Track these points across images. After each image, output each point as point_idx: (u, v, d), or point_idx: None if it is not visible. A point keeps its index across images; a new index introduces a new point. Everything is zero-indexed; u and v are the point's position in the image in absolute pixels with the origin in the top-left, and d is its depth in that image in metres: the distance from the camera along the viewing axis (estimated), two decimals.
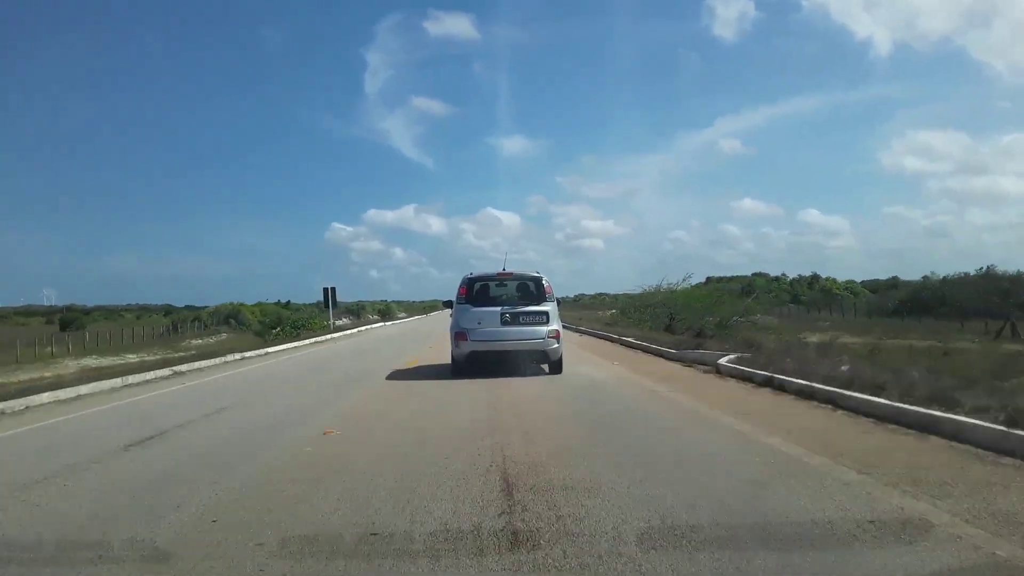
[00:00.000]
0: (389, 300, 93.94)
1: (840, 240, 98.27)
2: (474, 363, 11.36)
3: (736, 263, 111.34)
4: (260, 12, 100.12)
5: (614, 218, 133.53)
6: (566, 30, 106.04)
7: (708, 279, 45.05)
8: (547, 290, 11.71)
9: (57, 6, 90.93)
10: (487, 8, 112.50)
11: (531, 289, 11.78)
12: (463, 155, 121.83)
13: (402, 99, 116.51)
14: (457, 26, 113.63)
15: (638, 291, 27.62)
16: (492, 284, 12.22)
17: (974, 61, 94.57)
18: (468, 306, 11.50)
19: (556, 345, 11.37)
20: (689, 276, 25.50)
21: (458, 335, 11.38)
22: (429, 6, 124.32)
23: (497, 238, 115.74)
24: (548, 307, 11.49)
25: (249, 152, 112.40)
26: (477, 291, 11.87)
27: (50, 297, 64.38)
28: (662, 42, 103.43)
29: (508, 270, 12.32)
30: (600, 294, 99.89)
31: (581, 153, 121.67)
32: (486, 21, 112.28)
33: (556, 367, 11.55)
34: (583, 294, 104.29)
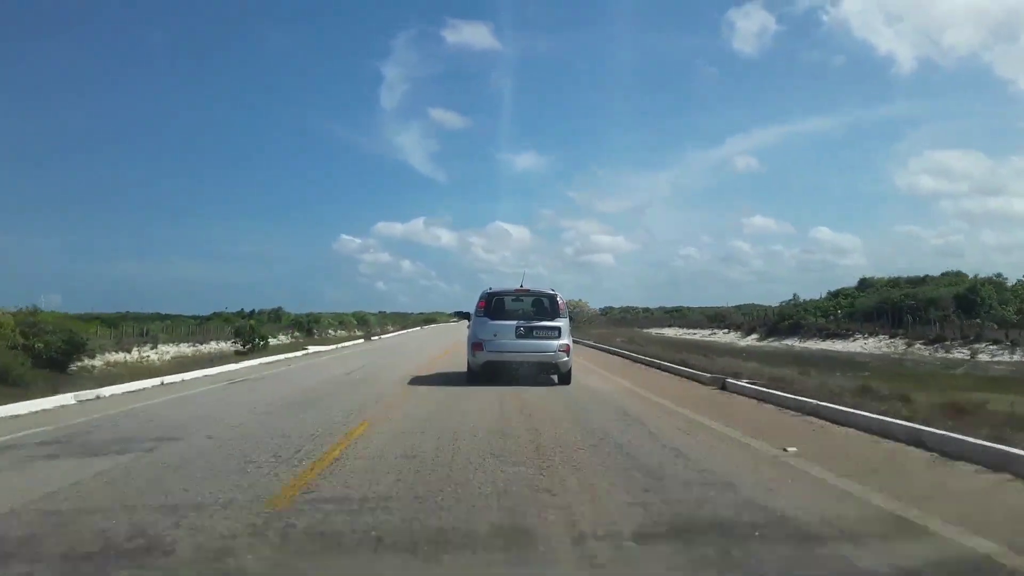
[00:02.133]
0: (390, 311, 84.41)
1: (850, 259, 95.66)
2: (488, 372, 11.96)
3: (745, 280, 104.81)
4: (274, 18, 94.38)
5: (624, 233, 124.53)
6: (580, 44, 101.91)
7: (861, 281, 29.61)
8: (561, 307, 12.34)
9: (62, 4, 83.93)
10: (502, 20, 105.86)
11: (545, 305, 12.41)
12: (474, 168, 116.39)
13: (415, 110, 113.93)
14: (475, 36, 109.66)
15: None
16: (509, 299, 12.71)
17: (998, 79, 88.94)
18: (486, 319, 12.10)
19: (566, 359, 11.92)
20: None
21: (475, 345, 12.03)
22: (446, 15, 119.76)
23: (506, 252, 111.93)
24: (561, 323, 12.08)
25: (259, 159, 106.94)
26: (495, 305, 12.39)
27: (48, 303, 51.75)
28: (677, 57, 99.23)
29: (525, 287, 12.81)
30: (630, 307, 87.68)
31: (593, 167, 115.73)
32: (501, 34, 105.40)
33: (565, 379, 12.02)
34: (610, 307, 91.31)
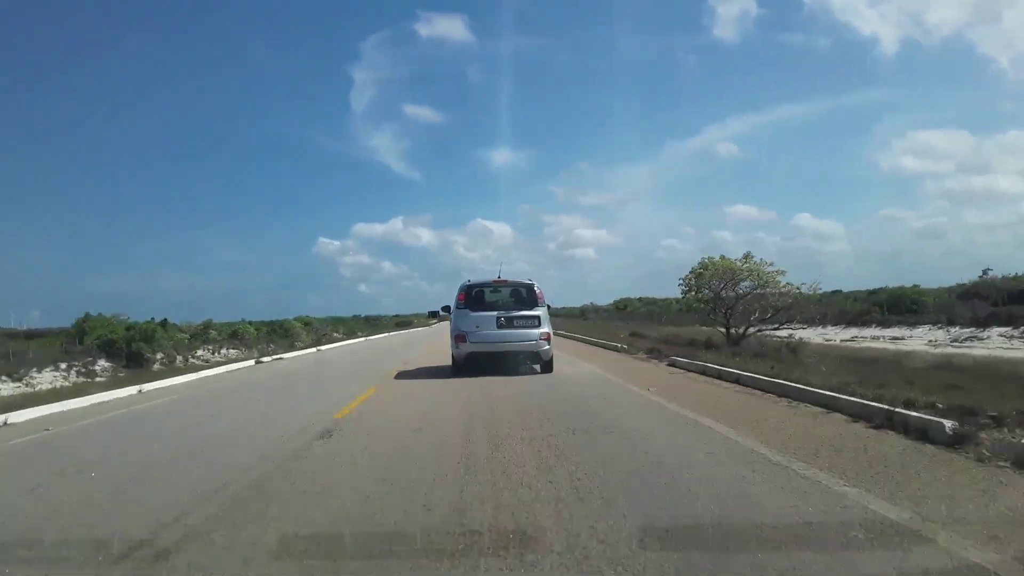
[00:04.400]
0: (365, 315, 74.45)
1: (833, 244, 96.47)
2: (472, 363, 11.99)
3: None
4: (246, 25, 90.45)
5: (607, 227, 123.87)
6: (557, 38, 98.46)
7: None
8: (539, 296, 12.37)
9: (43, 16, 76.25)
10: (479, 16, 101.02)
11: (524, 295, 12.47)
12: (451, 165, 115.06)
13: (390, 108, 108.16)
14: (448, 30, 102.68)
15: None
16: (488, 290, 12.84)
17: (981, 57, 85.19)
18: (467, 311, 12.20)
19: (547, 347, 12.00)
20: None
21: (458, 337, 12.09)
22: (418, 8, 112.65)
23: (488, 249, 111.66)
24: (540, 311, 12.17)
25: (232, 166, 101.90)
26: (475, 297, 12.55)
27: (15, 319, 46.70)
28: (658, 47, 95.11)
29: (503, 277, 12.92)
30: (665, 298, 72.32)
31: (574, 161, 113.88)
32: (478, 29, 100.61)
33: (547, 367, 12.06)
34: (627, 298, 74.96)
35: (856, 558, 3.10)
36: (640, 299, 72.61)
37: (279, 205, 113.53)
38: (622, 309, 69.87)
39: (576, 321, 57.19)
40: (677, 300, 70.28)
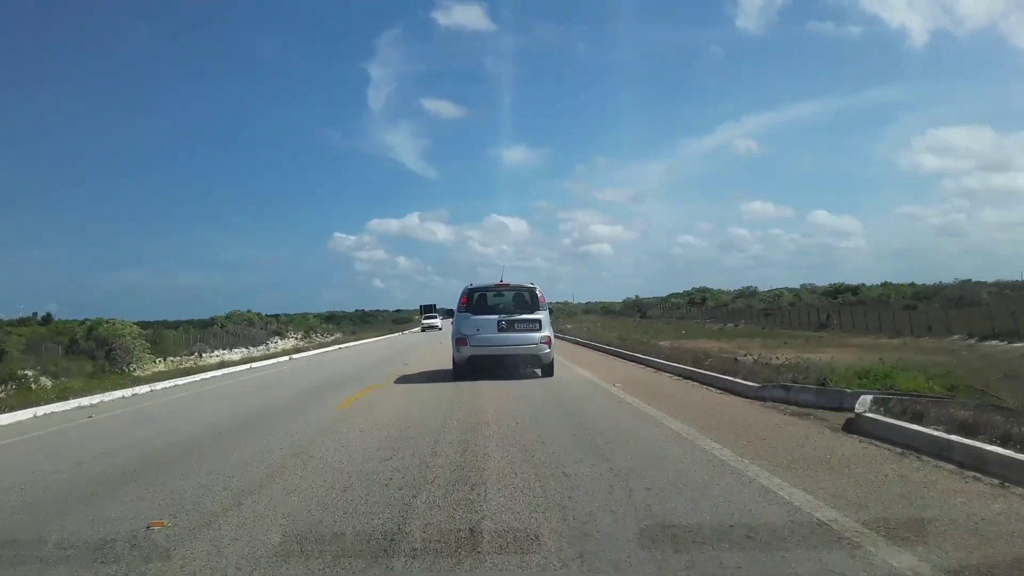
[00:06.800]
0: (369, 309, 75.69)
1: (851, 241, 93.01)
2: (473, 366, 12.16)
3: (744, 266, 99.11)
4: (261, 22, 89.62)
5: (623, 223, 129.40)
6: (574, 34, 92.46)
7: None
8: (540, 299, 12.54)
9: (54, 12, 76.10)
10: (497, 6, 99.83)
11: (526, 299, 12.67)
12: (468, 162, 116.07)
13: (406, 104, 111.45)
14: (467, 19, 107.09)
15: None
16: (490, 294, 13.03)
17: (1011, 49, 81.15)
18: (468, 314, 12.37)
19: (548, 350, 12.15)
20: None
21: (459, 341, 12.29)
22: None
23: (504, 245, 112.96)
24: (541, 315, 12.32)
25: (251, 164, 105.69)
26: (476, 300, 12.67)
27: (22, 311, 49.49)
28: (677, 40, 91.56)
29: (505, 281, 13.17)
30: (772, 288, 57.43)
31: (590, 157, 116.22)
32: (496, 18, 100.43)
33: (548, 371, 12.25)
34: (706, 287, 60.08)
35: None
36: (723, 290, 57.17)
37: (294, 201, 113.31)
38: (699, 303, 54.32)
39: (627, 321, 41.29)
40: (789, 290, 51.97)
